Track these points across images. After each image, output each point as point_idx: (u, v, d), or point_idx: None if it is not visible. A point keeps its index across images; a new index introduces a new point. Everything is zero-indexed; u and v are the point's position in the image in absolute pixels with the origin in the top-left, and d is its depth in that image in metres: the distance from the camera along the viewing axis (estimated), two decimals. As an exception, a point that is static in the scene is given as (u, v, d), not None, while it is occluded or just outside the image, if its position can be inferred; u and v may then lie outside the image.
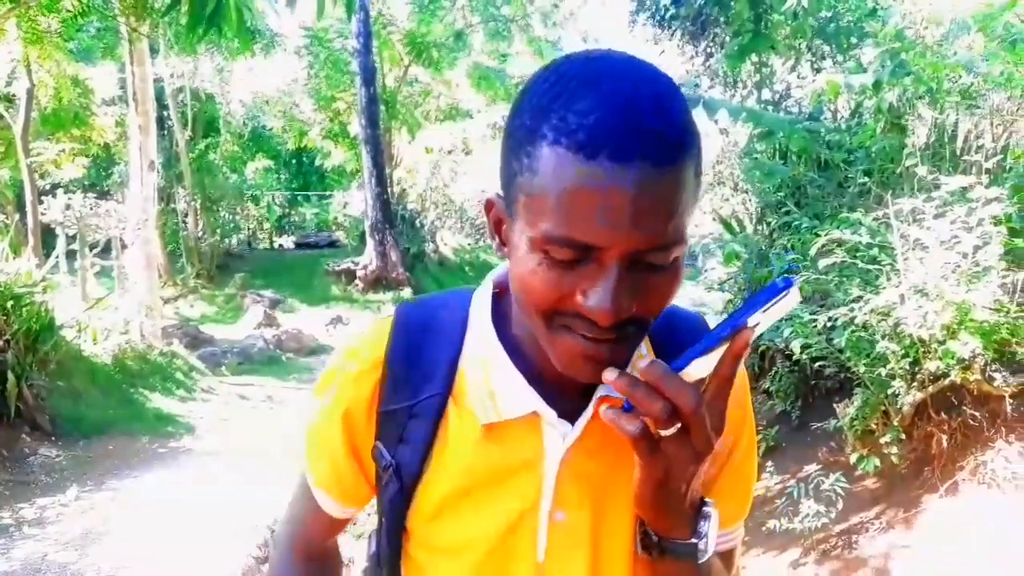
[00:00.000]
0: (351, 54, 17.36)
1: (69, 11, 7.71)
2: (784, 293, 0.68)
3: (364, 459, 0.89)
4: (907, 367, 3.66)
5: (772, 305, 0.69)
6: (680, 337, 0.82)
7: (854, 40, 6.49)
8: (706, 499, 0.79)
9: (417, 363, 0.86)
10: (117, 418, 7.19)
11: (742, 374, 0.88)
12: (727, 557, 0.89)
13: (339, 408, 0.89)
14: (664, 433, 0.70)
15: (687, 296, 17.83)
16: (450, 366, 0.85)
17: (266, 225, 22.67)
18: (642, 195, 0.64)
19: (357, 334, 0.93)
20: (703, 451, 0.72)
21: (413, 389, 0.86)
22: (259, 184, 21.55)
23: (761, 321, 0.70)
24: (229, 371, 10.04)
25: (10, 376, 6.18)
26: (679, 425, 0.70)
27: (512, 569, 0.84)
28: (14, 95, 10.73)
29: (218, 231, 19.20)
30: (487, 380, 0.83)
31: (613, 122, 0.64)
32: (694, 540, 0.78)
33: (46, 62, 8.40)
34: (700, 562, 0.78)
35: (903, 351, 3.63)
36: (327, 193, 24.25)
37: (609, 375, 0.71)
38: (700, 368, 0.71)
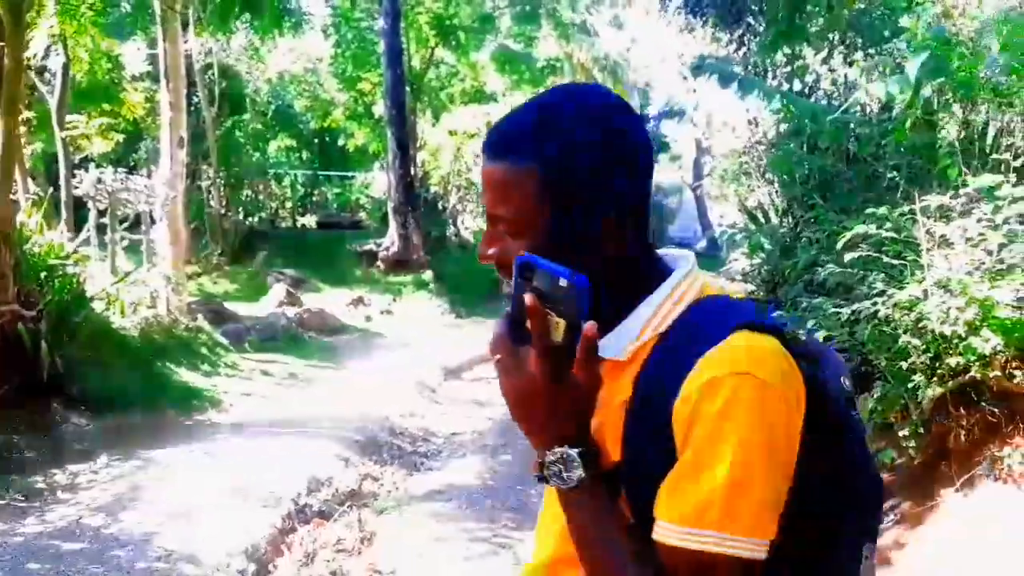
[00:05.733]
0: (378, 34, 17.39)
1: (105, -13, 7.83)
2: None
3: None
4: (928, 362, 3.69)
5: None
6: (690, 334, 0.94)
7: (887, 33, 6.46)
8: (584, 450, 0.90)
9: None
10: (144, 390, 7.32)
11: (710, 386, 0.87)
12: (668, 553, 0.88)
13: None
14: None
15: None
16: None
17: (288, 204, 22.80)
18: (484, 175, 0.97)
19: None
20: (503, 375, 0.91)
21: None
22: (281, 163, 21.65)
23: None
24: (252, 348, 10.17)
25: (43, 346, 6.32)
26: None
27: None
28: (48, 68, 10.88)
29: (241, 209, 19.35)
30: None
31: None
32: (543, 471, 0.92)
33: (81, 37, 8.51)
34: (561, 488, 0.91)
35: (925, 346, 3.66)
36: (349, 174, 24.34)
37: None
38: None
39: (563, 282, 0.87)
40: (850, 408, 1.02)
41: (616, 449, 0.94)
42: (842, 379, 1.02)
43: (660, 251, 1.05)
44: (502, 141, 0.96)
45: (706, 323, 0.93)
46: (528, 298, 0.86)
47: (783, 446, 0.88)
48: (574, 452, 0.90)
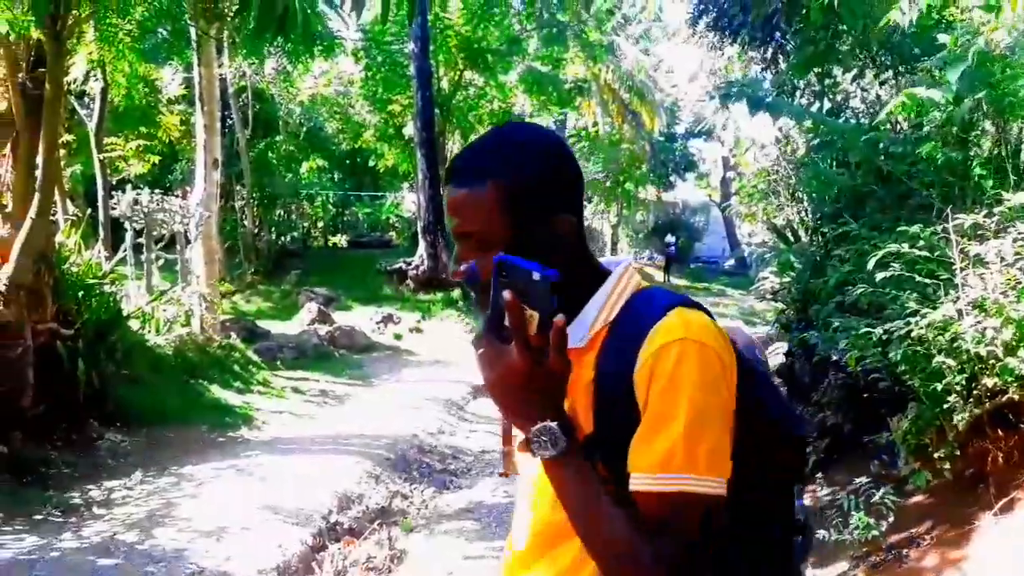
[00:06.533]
0: (408, 57, 17.59)
1: (144, 14, 8.00)
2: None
3: None
4: (963, 383, 3.64)
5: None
6: (635, 317, 1.12)
7: (917, 51, 6.41)
8: (562, 423, 1.04)
9: None
10: (177, 407, 7.43)
11: (668, 349, 1.05)
12: (645, 500, 1.03)
13: None
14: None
15: (739, 307, 17.66)
16: None
17: (320, 224, 23.07)
18: (451, 201, 1.14)
19: None
20: (488, 368, 1.04)
21: None
22: (312, 183, 21.96)
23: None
24: (284, 366, 10.27)
25: (80, 363, 6.43)
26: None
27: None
28: (87, 93, 11.14)
29: (274, 229, 19.62)
30: None
31: None
32: (530, 447, 1.04)
33: (120, 63, 8.72)
34: (542, 458, 1.04)
35: (960, 366, 3.61)
36: (379, 194, 24.59)
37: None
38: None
39: (536, 275, 1.01)
40: (767, 373, 1.26)
41: (587, 423, 1.10)
42: (756, 351, 1.25)
43: (602, 260, 1.25)
44: (468, 168, 1.14)
45: (646, 308, 1.12)
46: (507, 294, 1.00)
47: (725, 396, 1.06)
48: (555, 425, 1.04)
